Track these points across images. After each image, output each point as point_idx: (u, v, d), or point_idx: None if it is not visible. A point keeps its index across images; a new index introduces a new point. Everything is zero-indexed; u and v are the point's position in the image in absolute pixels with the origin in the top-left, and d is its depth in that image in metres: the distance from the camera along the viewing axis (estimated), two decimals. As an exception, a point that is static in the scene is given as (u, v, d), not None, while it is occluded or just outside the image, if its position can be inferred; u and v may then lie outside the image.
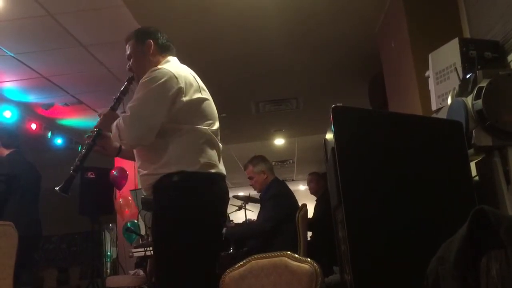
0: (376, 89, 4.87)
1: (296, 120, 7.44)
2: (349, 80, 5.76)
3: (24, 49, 4.39)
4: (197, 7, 3.81)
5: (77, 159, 2.34)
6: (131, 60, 2.40)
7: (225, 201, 2.37)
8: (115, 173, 6.95)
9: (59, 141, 6.62)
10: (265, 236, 3.86)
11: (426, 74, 2.67)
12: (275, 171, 4.44)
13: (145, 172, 2.25)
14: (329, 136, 2.04)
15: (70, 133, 6.89)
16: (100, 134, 2.36)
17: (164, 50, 2.39)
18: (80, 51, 4.47)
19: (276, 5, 3.88)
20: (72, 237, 9.31)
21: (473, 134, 1.92)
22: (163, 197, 2.20)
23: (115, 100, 2.44)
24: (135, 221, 6.37)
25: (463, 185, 1.87)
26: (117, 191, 7.11)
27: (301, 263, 1.92)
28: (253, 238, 4.07)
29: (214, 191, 2.25)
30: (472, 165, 2.06)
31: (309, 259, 1.93)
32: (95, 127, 2.38)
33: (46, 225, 4.42)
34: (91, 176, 6.49)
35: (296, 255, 1.98)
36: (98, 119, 2.42)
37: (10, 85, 5.19)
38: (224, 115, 6.59)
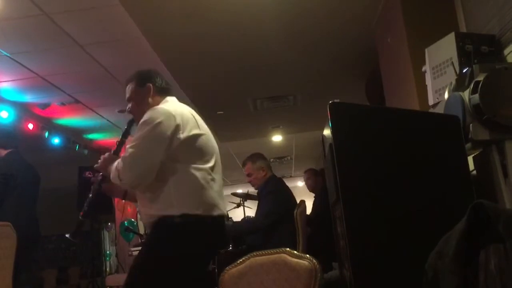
0: (373, 84, 4.87)
1: (294, 117, 7.44)
2: (346, 76, 5.76)
3: (20, 49, 4.37)
4: (193, 3, 3.79)
5: (85, 204, 2.42)
6: (131, 103, 2.44)
7: (222, 242, 2.43)
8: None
9: (56, 140, 6.60)
10: (263, 232, 3.86)
11: (423, 69, 2.67)
12: (273, 168, 4.45)
13: (146, 212, 2.25)
14: (327, 132, 2.03)
15: (67, 132, 6.87)
16: (105, 178, 2.39)
17: (163, 92, 2.43)
18: (76, 50, 4.46)
19: (273, 1, 3.88)
20: (71, 236, 9.30)
21: (470, 129, 1.91)
22: (161, 236, 2.18)
23: (117, 143, 2.46)
24: (132, 220, 6.38)
25: (461, 179, 1.87)
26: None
27: (300, 259, 1.92)
28: (251, 234, 4.07)
29: (214, 234, 2.26)
30: (470, 159, 2.06)
31: (308, 256, 1.93)
32: (96, 170, 2.42)
33: (45, 225, 4.42)
34: (90, 175, 6.48)
35: (295, 252, 1.98)
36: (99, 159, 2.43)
37: (6, 85, 5.17)
38: (221, 112, 6.62)
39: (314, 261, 1.89)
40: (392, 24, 3.69)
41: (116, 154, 2.40)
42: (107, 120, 6.61)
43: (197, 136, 2.25)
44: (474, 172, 2.09)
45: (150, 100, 2.37)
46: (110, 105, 5.89)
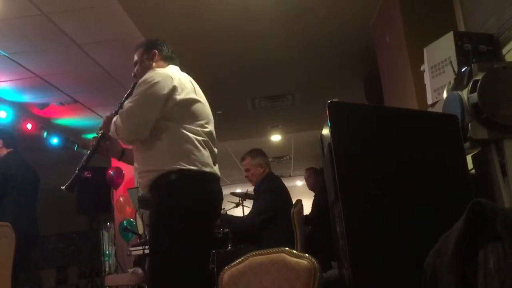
0: (372, 84, 4.87)
1: (293, 116, 7.44)
2: (345, 75, 5.76)
3: (18, 49, 4.37)
4: (192, 3, 3.79)
5: (82, 159, 2.49)
6: (137, 67, 2.55)
7: (219, 200, 2.45)
8: (111, 172, 6.95)
9: (55, 140, 6.60)
10: (256, 229, 3.83)
11: (421, 68, 2.67)
12: (272, 168, 4.43)
13: (141, 168, 2.34)
14: (326, 131, 2.04)
15: (66, 132, 6.87)
16: (104, 136, 2.50)
17: (167, 60, 2.54)
18: (74, 50, 4.45)
19: (272, 0, 3.88)
20: (70, 236, 9.31)
21: (469, 128, 1.92)
22: (161, 195, 2.27)
23: (119, 105, 2.52)
24: (131, 219, 6.37)
25: (460, 178, 1.87)
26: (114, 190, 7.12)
27: (299, 258, 1.92)
28: (246, 232, 4.04)
29: (209, 190, 2.32)
30: (468, 158, 2.06)
31: (307, 255, 1.93)
32: (99, 129, 2.53)
33: (44, 224, 4.42)
34: (88, 175, 6.48)
35: (294, 251, 1.98)
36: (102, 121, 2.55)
37: (5, 85, 5.17)
38: (220, 112, 6.62)
39: (313, 260, 1.89)
40: (391, 24, 3.70)
41: (117, 114, 2.47)
42: (106, 120, 6.59)
43: (193, 100, 2.35)
44: (473, 171, 2.09)
45: (153, 64, 2.50)
46: (108, 105, 5.87)
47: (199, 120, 2.34)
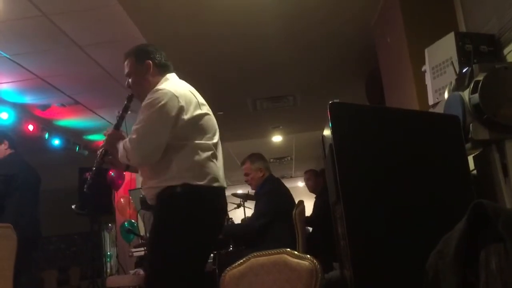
0: (373, 84, 4.87)
1: (294, 117, 7.44)
2: (346, 76, 5.75)
3: (19, 50, 4.37)
4: (192, 3, 3.79)
5: (88, 177, 2.53)
6: (131, 79, 2.45)
7: (223, 214, 2.47)
8: (112, 174, 6.95)
9: (56, 142, 6.60)
10: (257, 233, 3.84)
11: (423, 68, 2.67)
12: (273, 168, 4.45)
13: (148, 184, 2.33)
14: (327, 132, 2.04)
15: (68, 133, 6.87)
16: (106, 153, 2.47)
17: (162, 70, 2.45)
18: (75, 51, 4.45)
19: (273, 1, 3.88)
20: (71, 237, 9.30)
21: (470, 128, 1.92)
22: (165, 205, 2.26)
23: (117, 119, 2.50)
24: (133, 221, 6.38)
25: (461, 179, 1.87)
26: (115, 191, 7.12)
27: (301, 259, 1.92)
28: (246, 236, 4.06)
29: (214, 204, 2.32)
30: (470, 159, 2.06)
31: (308, 256, 1.93)
32: (102, 146, 2.50)
33: (45, 226, 4.42)
34: (89, 176, 6.47)
35: (296, 252, 1.98)
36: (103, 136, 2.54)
37: (6, 86, 5.17)
38: (221, 113, 6.61)
39: (315, 261, 1.89)
40: (392, 24, 3.69)
41: (117, 128, 2.47)
42: (107, 121, 6.61)
43: (199, 116, 2.32)
44: (474, 171, 2.09)
45: (150, 77, 2.40)
46: (109, 106, 5.89)
47: (207, 134, 2.33)
